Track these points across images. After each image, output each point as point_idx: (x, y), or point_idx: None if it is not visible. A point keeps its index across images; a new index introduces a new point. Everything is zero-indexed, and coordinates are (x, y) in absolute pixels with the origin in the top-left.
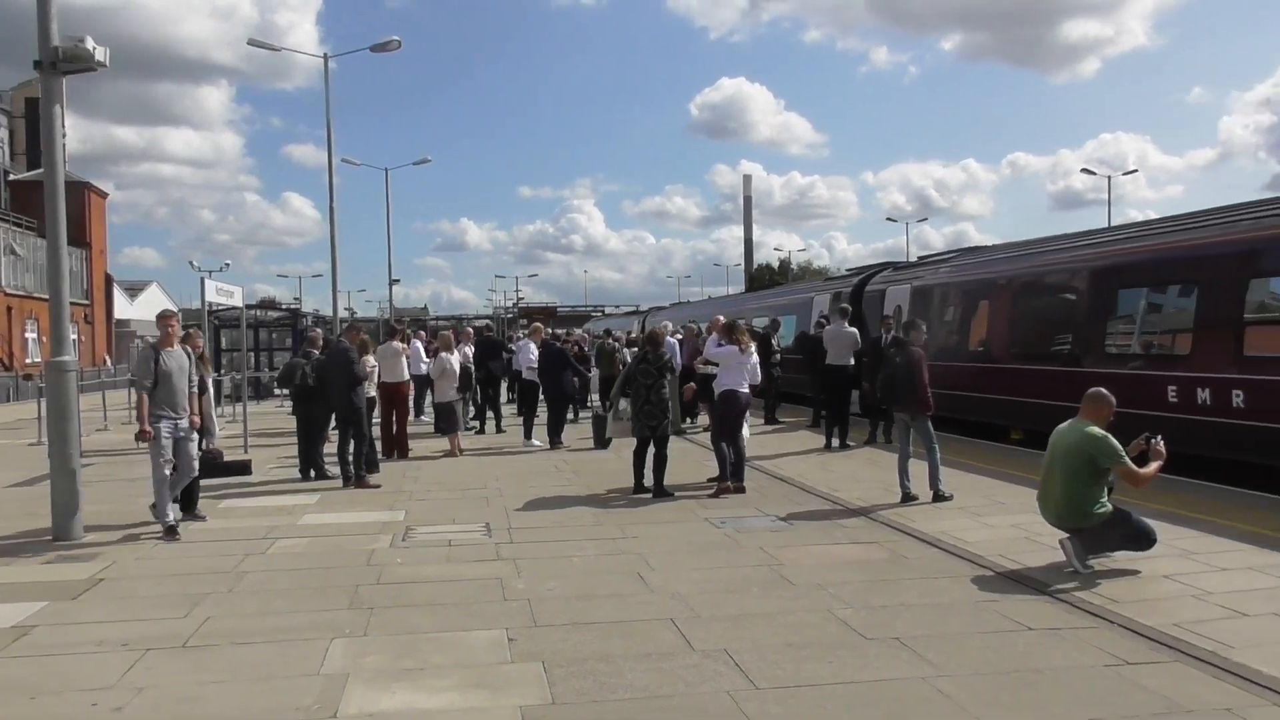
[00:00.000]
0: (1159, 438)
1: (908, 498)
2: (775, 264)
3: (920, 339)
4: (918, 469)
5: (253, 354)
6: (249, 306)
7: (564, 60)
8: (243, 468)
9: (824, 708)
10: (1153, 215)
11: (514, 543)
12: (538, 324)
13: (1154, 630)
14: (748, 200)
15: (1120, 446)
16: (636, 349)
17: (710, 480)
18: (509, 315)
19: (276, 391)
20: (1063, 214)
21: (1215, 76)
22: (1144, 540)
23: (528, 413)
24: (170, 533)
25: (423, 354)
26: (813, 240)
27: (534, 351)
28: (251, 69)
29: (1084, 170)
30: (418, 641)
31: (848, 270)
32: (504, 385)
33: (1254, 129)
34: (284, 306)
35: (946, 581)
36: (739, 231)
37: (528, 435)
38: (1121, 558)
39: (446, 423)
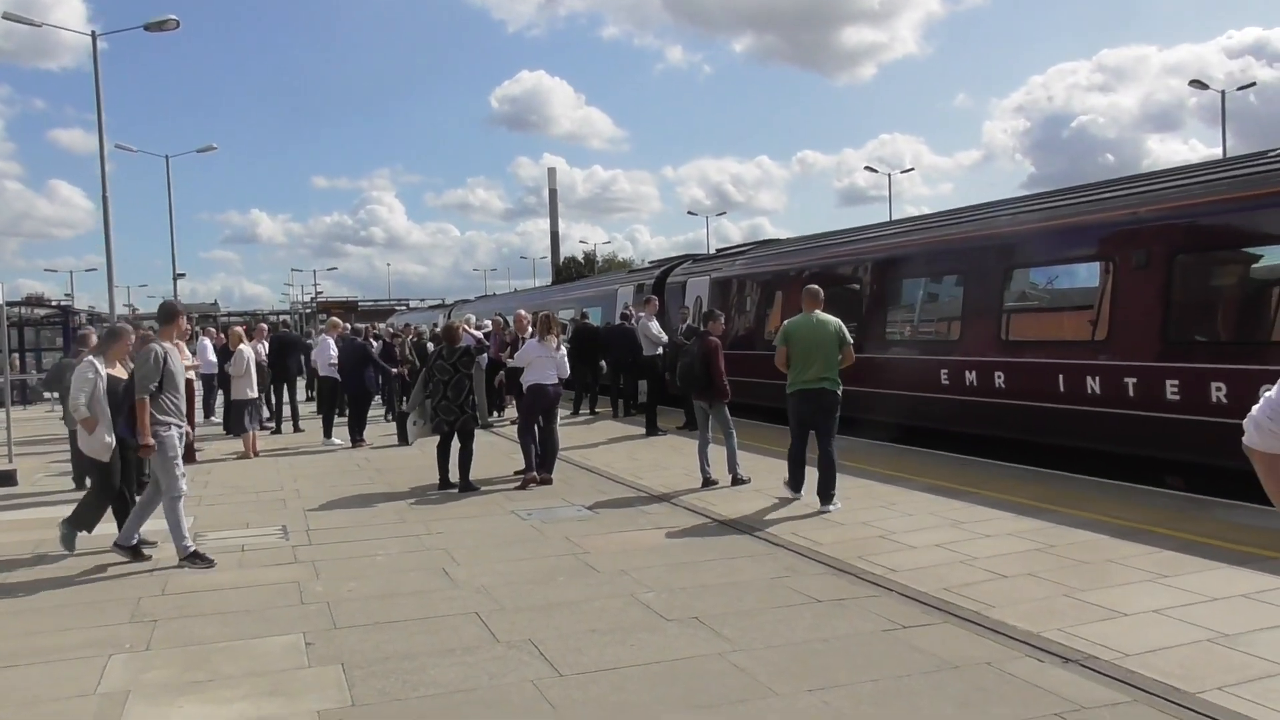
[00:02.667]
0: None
1: (708, 482)
2: (581, 256)
3: (718, 329)
4: (717, 454)
5: (17, 355)
6: (10, 303)
7: (357, 47)
8: (7, 478)
9: (625, 689)
10: (927, 210)
11: (313, 545)
12: (335, 319)
13: (927, 595)
14: (553, 193)
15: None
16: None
17: (517, 473)
18: (308, 310)
19: (46, 396)
20: (849, 209)
21: (977, 84)
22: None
23: (327, 410)
24: (197, 558)
25: (210, 352)
26: (617, 233)
27: (333, 347)
28: (11, 46)
29: (866, 168)
30: (207, 652)
31: (650, 262)
32: (301, 383)
33: (1011, 133)
34: (54, 303)
35: (744, 561)
36: (544, 224)
37: (327, 434)
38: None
39: (240, 423)
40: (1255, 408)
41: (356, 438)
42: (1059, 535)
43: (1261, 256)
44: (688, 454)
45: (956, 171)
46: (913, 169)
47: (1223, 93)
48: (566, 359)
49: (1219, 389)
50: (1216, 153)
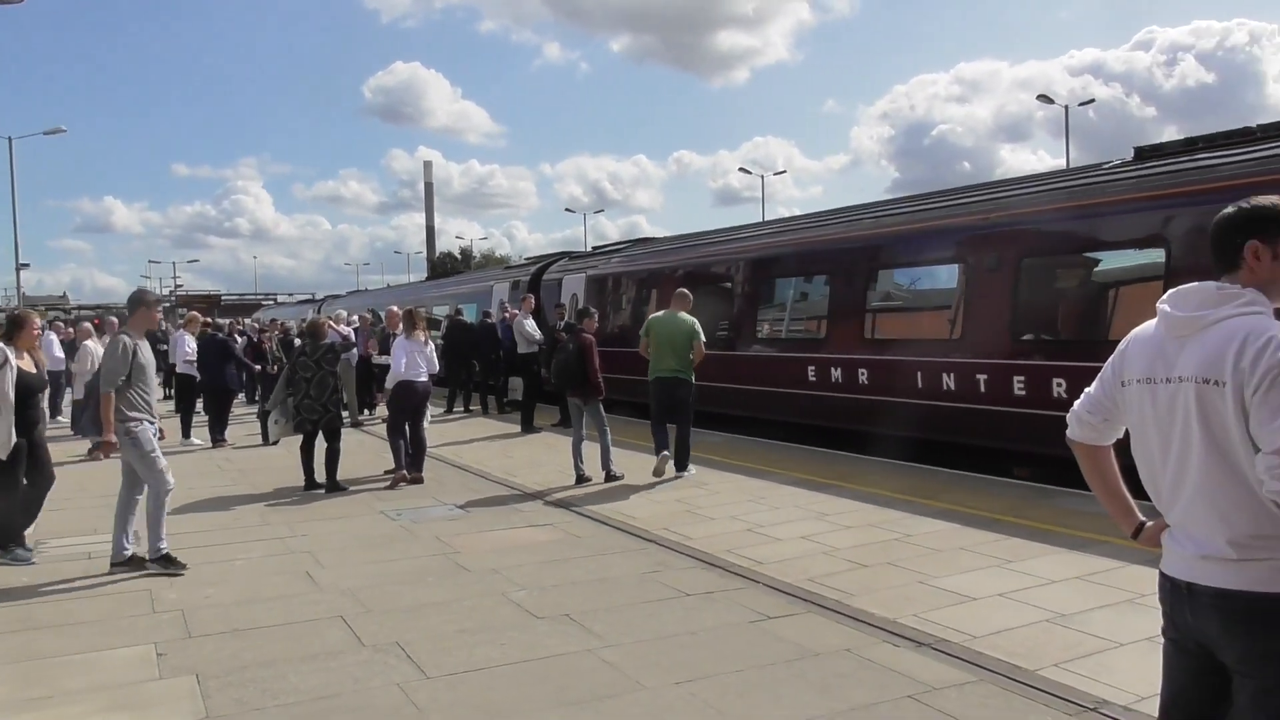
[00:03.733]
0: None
1: (582, 479)
2: (457, 252)
3: (593, 326)
4: (592, 451)
5: None
6: None
7: (222, 30)
8: None
9: (493, 689)
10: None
11: (170, 549)
12: (194, 313)
13: (792, 586)
14: (428, 187)
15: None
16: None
17: (387, 472)
18: (167, 304)
19: None
20: (724, 209)
21: (845, 91)
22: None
23: (184, 409)
24: (169, 561)
25: (57, 347)
26: (494, 229)
27: (189, 343)
28: None
29: (741, 169)
30: (47, 667)
31: (526, 259)
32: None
33: (877, 139)
34: None
35: (615, 557)
36: (420, 218)
37: (185, 433)
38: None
39: (90, 422)
40: (1077, 403)
41: (217, 437)
42: (916, 525)
43: (1100, 261)
44: (562, 451)
45: (826, 175)
46: (785, 171)
47: (1066, 108)
48: (435, 355)
49: (1060, 385)
50: (1061, 163)
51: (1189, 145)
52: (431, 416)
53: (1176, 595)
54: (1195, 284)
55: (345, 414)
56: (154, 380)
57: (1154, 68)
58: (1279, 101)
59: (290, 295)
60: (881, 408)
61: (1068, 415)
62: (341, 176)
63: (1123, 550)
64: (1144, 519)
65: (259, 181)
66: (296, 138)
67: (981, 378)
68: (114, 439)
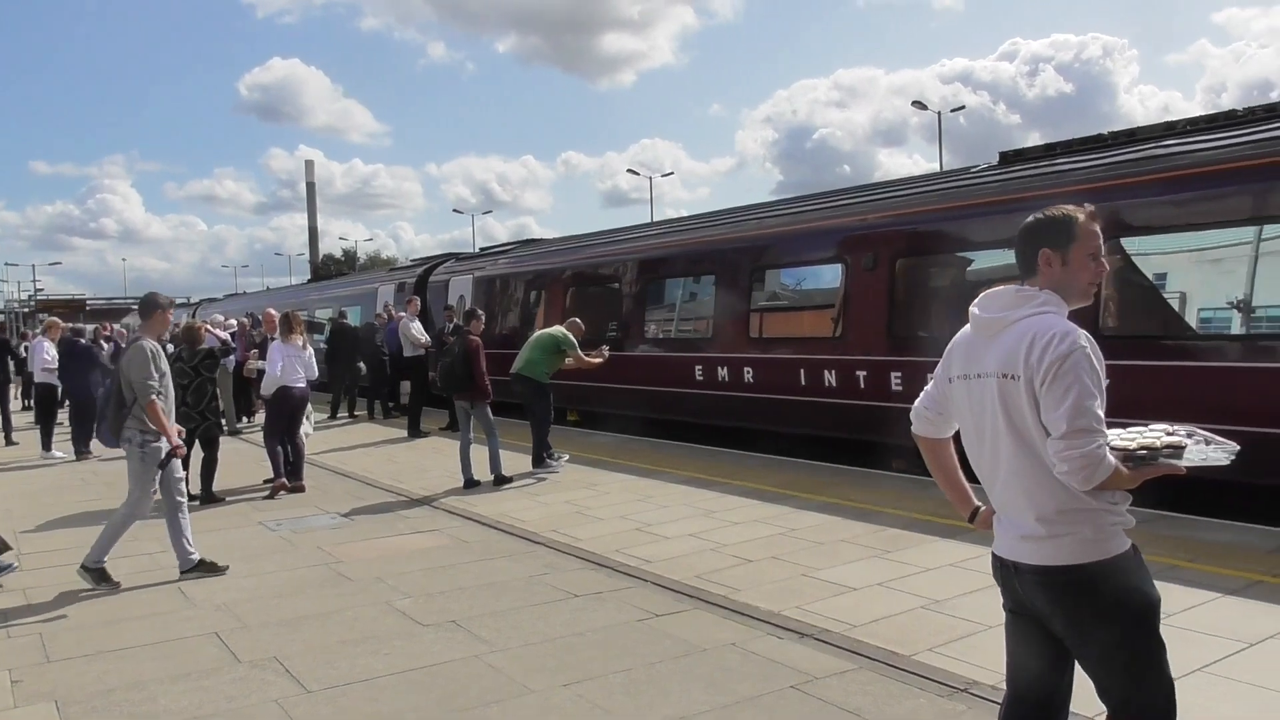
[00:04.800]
0: (606, 347)
1: (470, 484)
2: (340, 254)
3: (479, 328)
4: (480, 455)
5: None
6: None
7: (85, 21)
8: None
9: (378, 700)
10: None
11: (25, 570)
12: (53, 319)
13: (679, 583)
14: (310, 187)
15: (576, 344)
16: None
17: (266, 481)
18: (25, 309)
19: None
20: (612, 210)
21: (730, 95)
22: (543, 420)
23: (45, 420)
24: (103, 576)
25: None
26: (379, 230)
27: (49, 350)
28: None
29: (629, 171)
30: None
31: (413, 260)
32: (15, 390)
33: (761, 142)
34: None
35: (504, 561)
36: (301, 219)
37: (46, 445)
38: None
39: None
40: (917, 400)
41: (81, 449)
42: (800, 519)
43: (971, 261)
44: (450, 455)
45: (713, 177)
46: (672, 173)
47: (939, 114)
48: (314, 360)
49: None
50: (935, 166)
51: (1049, 150)
52: (316, 423)
53: (1006, 573)
54: (999, 288)
55: (223, 422)
56: (172, 392)
57: (1018, 78)
58: (1130, 110)
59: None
60: (766, 405)
61: (910, 412)
62: (217, 175)
63: (990, 538)
64: (979, 504)
65: (127, 180)
66: (168, 134)
67: (861, 374)
68: (180, 442)
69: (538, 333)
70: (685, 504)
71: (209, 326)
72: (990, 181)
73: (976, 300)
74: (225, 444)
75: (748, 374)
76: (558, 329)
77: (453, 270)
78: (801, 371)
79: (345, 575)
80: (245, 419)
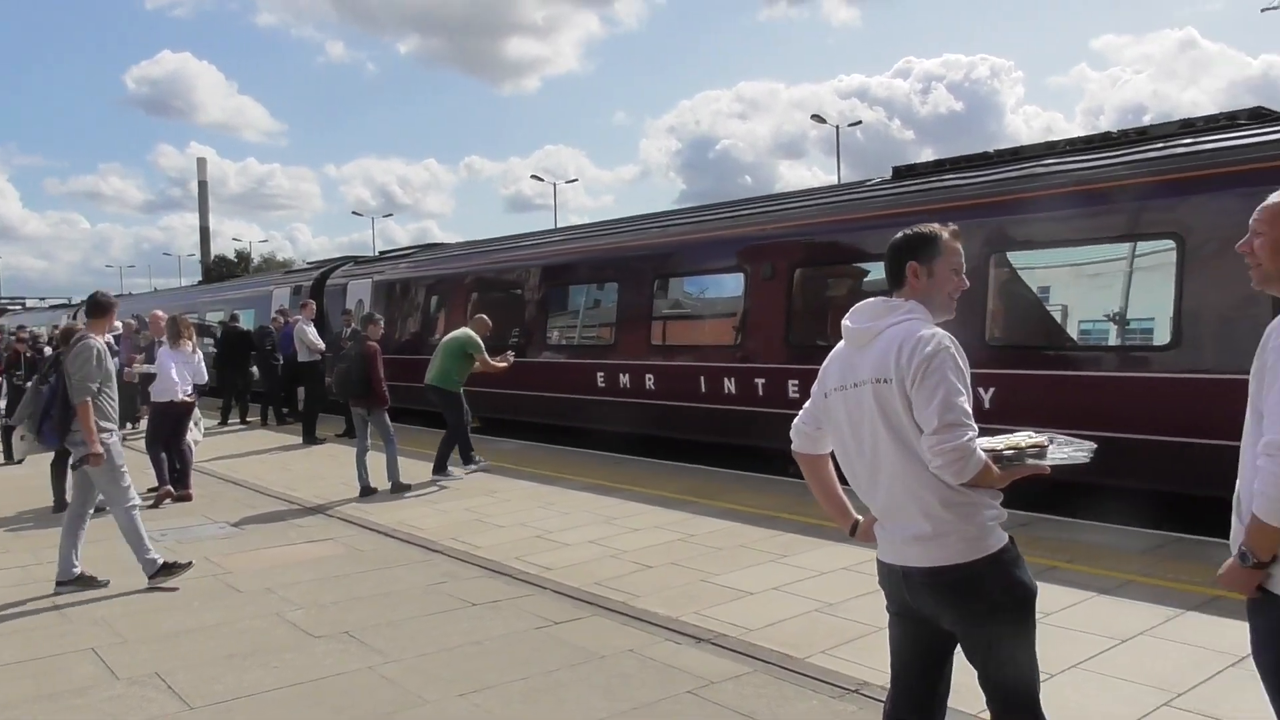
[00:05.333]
0: (512, 353)
1: (367, 491)
2: (234, 255)
3: (377, 332)
4: (378, 462)
5: None
6: None
7: None
8: None
9: (265, 715)
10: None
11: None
12: None
13: (578, 590)
14: (202, 185)
15: (482, 346)
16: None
17: (150, 490)
18: None
19: None
20: (516, 215)
21: (634, 104)
22: (457, 428)
23: None
24: (171, 569)
25: None
26: (275, 231)
27: None
28: None
29: (533, 177)
30: None
31: (309, 263)
32: None
33: (665, 151)
34: None
35: (400, 570)
36: (192, 219)
37: None
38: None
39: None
40: (797, 418)
41: None
42: (700, 525)
43: (867, 272)
44: (346, 463)
45: (617, 184)
46: (576, 180)
47: (837, 128)
48: (204, 364)
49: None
50: (833, 179)
51: (939, 166)
52: (205, 429)
53: (893, 578)
54: (869, 300)
55: None
56: (116, 389)
57: (912, 95)
58: (1015, 129)
59: (41, 300)
60: (668, 412)
61: (791, 429)
62: (101, 171)
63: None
64: (859, 517)
65: (3, 174)
66: (48, 127)
67: (759, 382)
68: (100, 449)
69: (446, 337)
70: (586, 511)
71: None
72: (883, 195)
73: (848, 314)
74: None
75: (649, 381)
76: (463, 331)
77: (351, 274)
78: (702, 379)
79: (233, 586)
80: (129, 425)
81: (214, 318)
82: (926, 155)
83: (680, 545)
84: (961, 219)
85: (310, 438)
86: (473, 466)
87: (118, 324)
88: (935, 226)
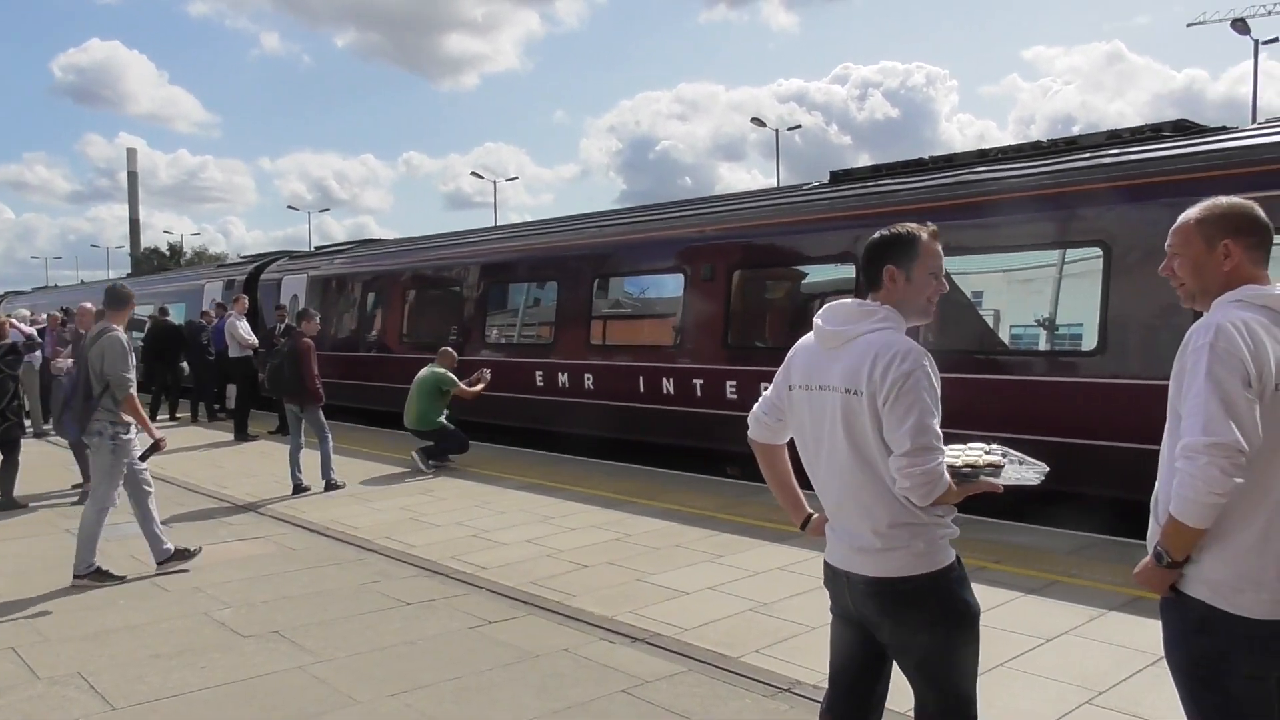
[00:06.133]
0: (487, 370)
1: (299, 489)
2: (165, 248)
3: (312, 328)
4: (312, 459)
5: None
6: None
7: None
8: None
9: (190, 716)
10: (530, 219)
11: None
12: None
13: (514, 590)
14: (132, 176)
15: (455, 379)
16: None
17: (75, 486)
18: None
19: None
20: (455, 212)
21: (574, 103)
22: (462, 445)
23: None
24: (103, 575)
25: None
26: (208, 224)
27: None
28: None
29: (473, 174)
30: None
31: (243, 257)
32: None
33: (605, 151)
34: None
35: (333, 569)
36: (121, 210)
37: None
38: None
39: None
40: (756, 405)
41: None
42: (637, 525)
43: (805, 275)
44: (279, 460)
45: (557, 183)
46: (517, 178)
47: (776, 131)
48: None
49: (767, 390)
50: (773, 182)
51: (875, 171)
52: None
53: (838, 582)
54: (842, 301)
55: (27, 422)
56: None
57: (849, 100)
58: (950, 136)
59: None
60: (606, 412)
61: (748, 416)
62: (26, 160)
63: (818, 542)
64: (812, 512)
65: None
66: None
67: (698, 383)
68: (162, 434)
69: (417, 378)
70: (523, 510)
71: (14, 321)
72: (821, 199)
73: (820, 312)
74: (29, 446)
75: (588, 381)
76: (429, 371)
77: (286, 269)
78: (640, 379)
79: (161, 586)
80: (53, 420)
81: (143, 311)
82: (864, 160)
83: (617, 545)
84: (896, 224)
85: (242, 435)
86: (433, 465)
87: (42, 316)
88: (914, 227)
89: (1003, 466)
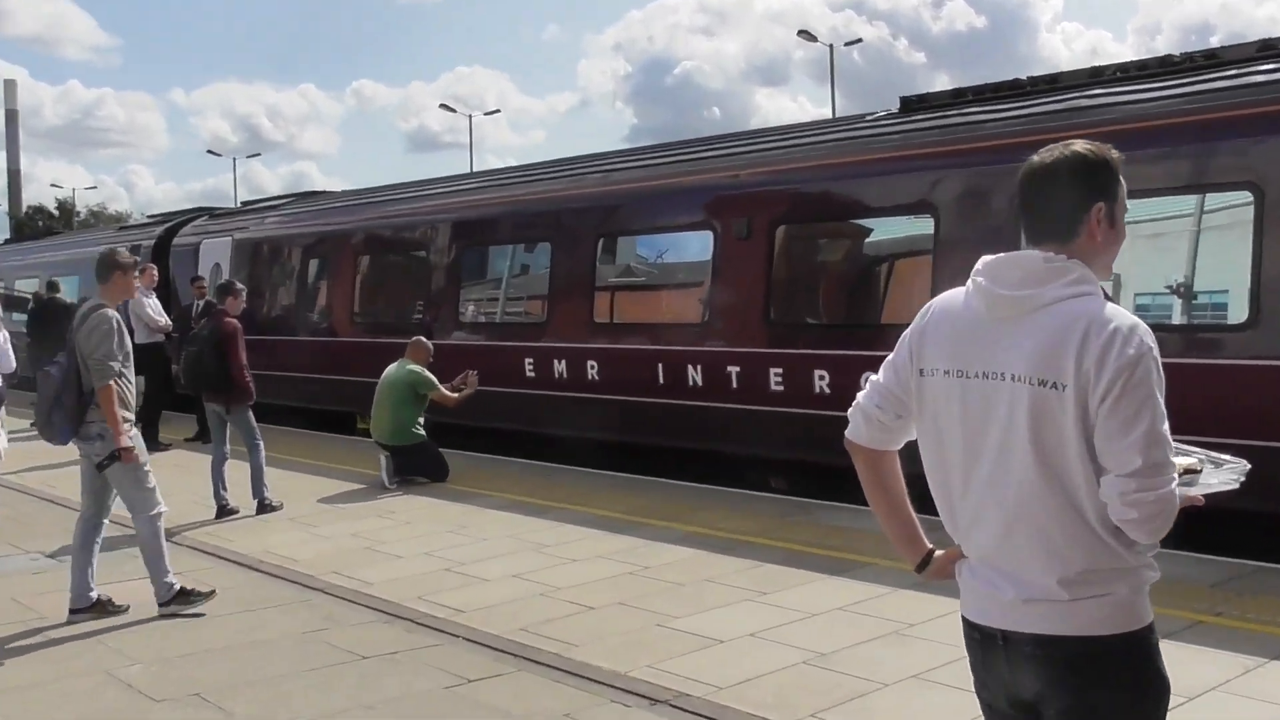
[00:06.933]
0: (474, 372)
1: (225, 511)
2: (53, 205)
3: (238, 306)
4: (240, 473)
5: None
6: None
7: None
8: None
9: None
10: (514, 163)
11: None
12: None
13: (498, 639)
14: (11, 115)
15: (434, 379)
16: None
17: None
18: None
19: None
20: (420, 156)
21: (569, 15)
22: (441, 469)
23: None
24: (187, 596)
25: None
26: (106, 176)
27: None
28: None
29: (442, 107)
30: None
31: (152, 217)
32: None
33: (610, 76)
34: None
35: (271, 612)
36: None
37: None
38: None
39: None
40: (862, 395)
41: None
42: (655, 554)
43: (870, 231)
44: (199, 474)
45: (550, 117)
46: (498, 111)
47: (830, 47)
48: (9, 350)
49: (822, 378)
50: (826, 112)
51: (958, 96)
52: (11, 434)
53: (988, 647)
54: (1016, 253)
55: None
56: (133, 369)
57: (921, 8)
58: (1052, 52)
59: None
60: (615, 409)
61: (850, 410)
62: None
63: (889, 574)
64: (933, 546)
65: None
66: None
67: (733, 371)
68: (129, 442)
69: (384, 379)
70: (510, 535)
71: None
72: (889, 133)
73: (982, 267)
74: None
75: (592, 369)
76: (402, 367)
77: (206, 230)
78: (659, 367)
79: (51, 636)
80: None
81: (26, 287)
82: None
83: (630, 580)
84: (989, 163)
85: (152, 442)
86: (397, 480)
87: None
88: (1104, 148)
89: (1199, 472)
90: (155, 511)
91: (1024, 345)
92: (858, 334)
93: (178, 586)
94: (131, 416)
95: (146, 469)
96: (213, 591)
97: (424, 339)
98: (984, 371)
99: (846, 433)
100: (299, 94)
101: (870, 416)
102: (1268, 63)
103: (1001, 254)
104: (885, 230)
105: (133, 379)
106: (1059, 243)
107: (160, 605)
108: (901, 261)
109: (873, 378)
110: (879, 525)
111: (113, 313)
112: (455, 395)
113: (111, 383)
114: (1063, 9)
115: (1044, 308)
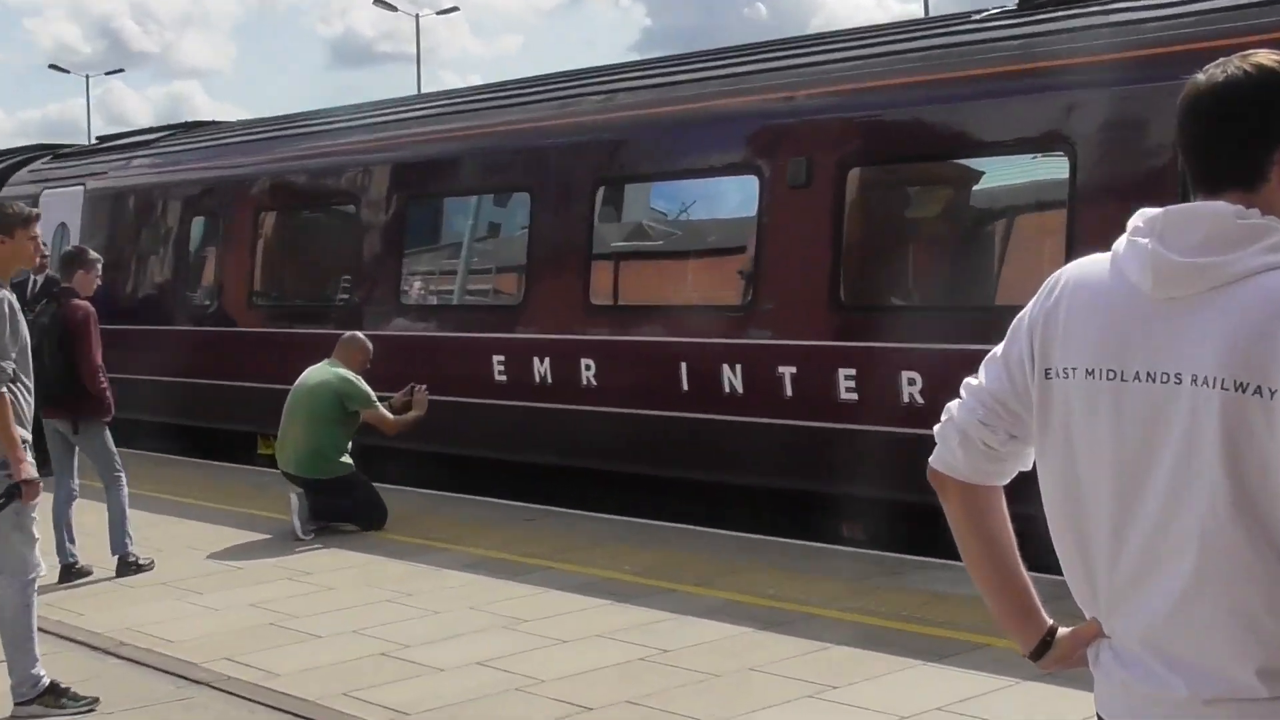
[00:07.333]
0: (424, 386)
1: (73, 572)
2: None
3: (92, 284)
4: (92, 518)
5: None
6: None
7: None
8: None
9: None
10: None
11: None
12: None
13: None
14: None
15: (370, 392)
16: None
17: None
18: None
19: None
20: (349, 73)
21: None
22: (376, 512)
23: None
24: (59, 696)
25: None
26: None
27: None
28: None
29: (378, 2)
30: None
31: None
32: None
33: None
34: None
35: (132, 716)
36: None
37: None
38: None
39: None
40: (958, 407)
41: None
42: (676, 633)
43: (981, 175)
44: (38, 520)
45: (529, 19)
46: (456, 9)
47: None
48: None
49: (912, 383)
50: (915, 10)
51: None
52: None
53: None
54: (1195, 204)
55: None
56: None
57: None
58: None
59: None
60: (620, 426)
61: (938, 428)
62: None
63: (1008, 659)
64: (1054, 622)
65: None
66: None
67: (786, 372)
68: (34, 473)
69: (299, 387)
70: (471, 605)
71: None
72: (1008, 37)
73: (1145, 224)
74: None
75: (587, 370)
76: (327, 372)
77: (47, 177)
78: (681, 367)
79: None
80: None
81: None
82: None
83: (643, 668)
84: (1148, 79)
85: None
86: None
87: None
88: None
89: None
90: (32, 576)
91: (1211, 334)
92: (964, 321)
93: (46, 681)
94: (29, 436)
95: (34, 515)
96: (95, 700)
97: (361, 336)
98: (1149, 372)
99: (932, 461)
100: None
101: (970, 438)
102: None
103: (1173, 206)
104: (1002, 174)
105: (31, 383)
106: (1241, 190)
107: (17, 704)
108: (1024, 217)
109: (971, 382)
110: (979, 591)
111: (5, 292)
112: (397, 419)
113: (4, 390)
114: None
115: (1237, 282)
